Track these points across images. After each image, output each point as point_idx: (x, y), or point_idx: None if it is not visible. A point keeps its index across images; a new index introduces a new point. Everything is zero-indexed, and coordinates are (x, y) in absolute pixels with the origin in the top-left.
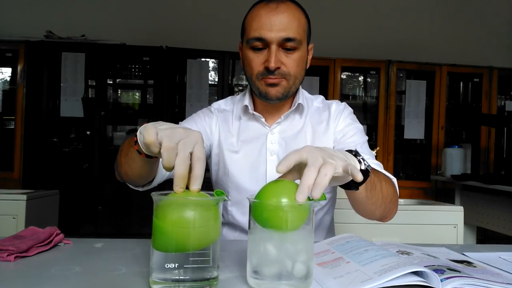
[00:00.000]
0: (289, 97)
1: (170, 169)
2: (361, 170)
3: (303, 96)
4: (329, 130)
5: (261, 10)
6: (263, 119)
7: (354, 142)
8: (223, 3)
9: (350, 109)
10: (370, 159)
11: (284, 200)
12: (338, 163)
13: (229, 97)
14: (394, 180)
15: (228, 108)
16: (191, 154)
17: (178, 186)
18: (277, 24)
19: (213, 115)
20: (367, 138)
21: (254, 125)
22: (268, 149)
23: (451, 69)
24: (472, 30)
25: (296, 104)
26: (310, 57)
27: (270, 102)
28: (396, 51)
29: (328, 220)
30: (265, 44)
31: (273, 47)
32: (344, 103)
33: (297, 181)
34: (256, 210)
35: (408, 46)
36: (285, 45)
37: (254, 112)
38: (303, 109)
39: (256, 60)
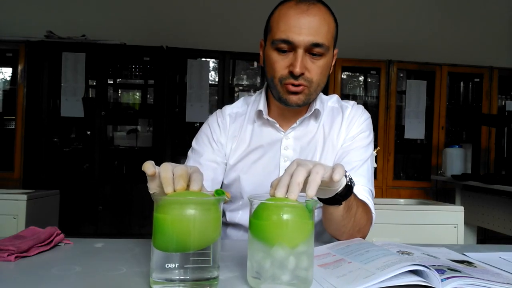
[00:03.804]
0: (308, 103)
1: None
2: (346, 185)
3: (320, 100)
4: (340, 136)
5: (290, 10)
6: (277, 125)
7: (356, 158)
8: (223, 3)
9: (366, 115)
10: (361, 181)
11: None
12: (327, 167)
13: (242, 98)
14: (374, 214)
15: (241, 110)
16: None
17: (179, 184)
18: (307, 27)
19: (221, 127)
20: (371, 152)
21: (268, 130)
22: (282, 154)
23: (451, 69)
24: (472, 30)
25: (313, 110)
26: (334, 62)
27: (289, 107)
28: (397, 51)
29: None
30: (292, 47)
31: (300, 52)
32: (361, 107)
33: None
34: (260, 230)
35: (408, 46)
36: (313, 50)
37: (269, 118)
38: (319, 114)
39: (281, 63)
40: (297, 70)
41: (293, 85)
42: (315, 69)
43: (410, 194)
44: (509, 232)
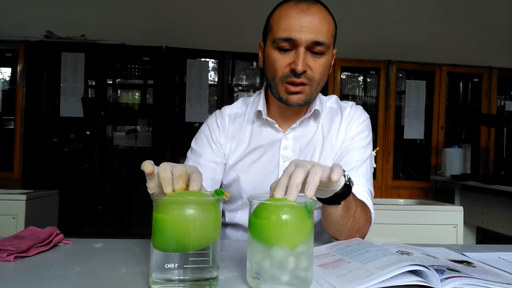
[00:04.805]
0: (309, 102)
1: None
2: (345, 184)
3: (320, 100)
4: (339, 136)
5: (291, 9)
6: (276, 125)
7: (355, 158)
8: (223, 3)
9: (365, 116)
10: (360, 181)
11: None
12: (325, 168)
13: (241, 99)
14: (373, 214)
15: (241, 110)
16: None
17: (178, 184)
18: (308, 26)
19: (220, 127)
20: (370, 152)
21: (268, 130)
22: (281, 155)
23: (450, 69)
24: (472, 30)
25: (313, 110)
26: (333, 62)
27: (290, 107)
28: (396, 51)
29: None
30: (293, 46)
31: (301, 49)
32: (360, 107)
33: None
34: (259, 230)
35: (408, 46)
36: (314, 48)
37: (268, 118)
38: (318, 114)
39: (282, 62)
40: (299, 67)
41: (294, 84)
42: (317, 67)
43: (409, 194)
44: (509, 232)
